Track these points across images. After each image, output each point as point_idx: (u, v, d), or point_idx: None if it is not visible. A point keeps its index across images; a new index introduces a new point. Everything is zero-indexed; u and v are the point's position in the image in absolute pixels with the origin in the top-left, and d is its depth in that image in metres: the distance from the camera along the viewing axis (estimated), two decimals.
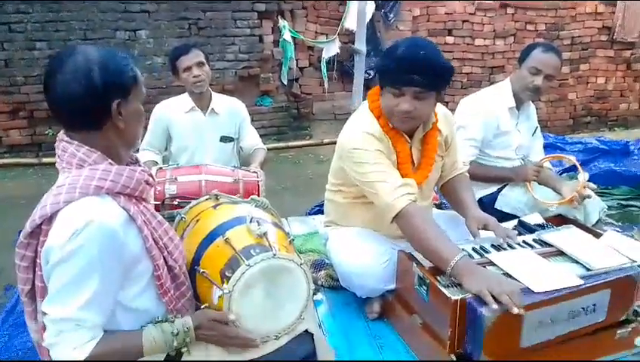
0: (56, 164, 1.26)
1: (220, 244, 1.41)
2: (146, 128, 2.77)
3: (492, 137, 2.58)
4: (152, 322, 1.26)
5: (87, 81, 1.16)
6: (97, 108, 1.19)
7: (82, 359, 1.12)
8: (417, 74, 1.69)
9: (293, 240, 1.54)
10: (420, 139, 1.97)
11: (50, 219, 1.16)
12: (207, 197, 1.77)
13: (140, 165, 1.35)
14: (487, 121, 2.54)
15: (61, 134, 1.25)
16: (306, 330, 1.44)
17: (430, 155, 1.98)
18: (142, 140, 2.68)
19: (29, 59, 5.03)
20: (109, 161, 1.23)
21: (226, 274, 1.32)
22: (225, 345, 1.33)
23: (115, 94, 1.20)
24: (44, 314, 1.15)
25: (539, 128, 2.81)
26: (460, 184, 2.15)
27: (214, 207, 1.68)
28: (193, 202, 1.78)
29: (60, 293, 1.13)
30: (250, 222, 1.46)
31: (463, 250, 1.72)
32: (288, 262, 1.37)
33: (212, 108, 2.80)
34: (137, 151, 2.75)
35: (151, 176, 1.32)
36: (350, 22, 5.70)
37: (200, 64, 2.68)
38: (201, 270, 1.38)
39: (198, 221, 1.62)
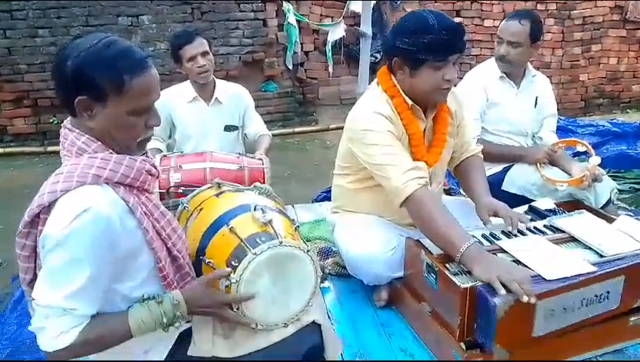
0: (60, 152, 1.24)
1: (225, 233, 1.39)
2: None
3: (486, 108, 2.56)
4: (139, 301, 1.23)
5: (58, 66, 1.14)
6: (62, 96, 1.17)
7: (67, 344, 1.11)
8: (460, 39, 1.74)
9: (298, 226, 1.52)
10: (432, 118, 1.93)
11: (48, 208, 1.14)
12: (209, 185, 1.74)
13: (147, 155, 1.32)
14: (476, 92, 2.53)
15: (66, 121, 1.23)
16: (314, 321, 1.41)
17: (442, 133, 1.95)
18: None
19: (31, 46, 5.00)
20: (110, 150, 1.20)
21: (232, 263, 1.30)
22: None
23: (80, 91, 1.14)
24: (33, 299, 1.13)
25: (545, 100, 2.71)
26: (472, 167, 2.11)
27: (217, 195, 1.65)
28: (195, 191, 1.75)
29: (49, 280, 1.12)
30: (255, 209, 1.44)
31: (472, 236, 1.68)
32: (295, 250, 1.34)
33: (216, 98, 2.74)
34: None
35: (154, 166, 1.29)
36: (356, 4, 5.60)
37: (205, 53, 2.61)
38: (207, 260, 1.36)
39: (201, 210, 1.60)
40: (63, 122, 1.25)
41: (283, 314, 1.37)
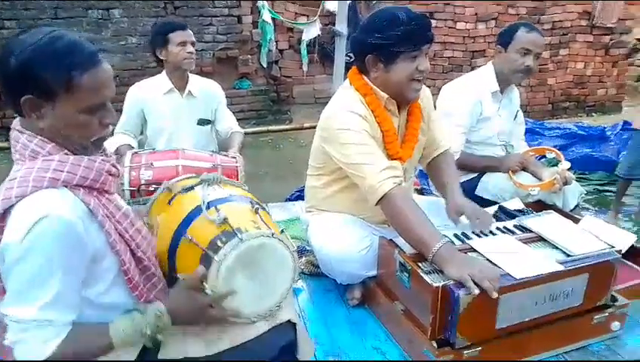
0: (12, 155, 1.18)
1: (185, 245, 1.35)
2: (120, 111, 2.68)
3: (475, 123, 2.56)
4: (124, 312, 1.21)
5: (3, 64, 1.08)
6: (7, 95, 1.11)
7: (46, 357, 1.07)
8: (429, 29, 1.80)
9: (257, 208, 1.44)
10: (405, 113, 1.96)
11: (3, 216, 1.08)
12: (161, 190, 1.62)
13: (105, 154, 1.25)
14: (472, 108, 2.51)
15: (15, 123, 1.17)
16: (289, 320, 1.40)
17: (415, 128, 1.98)
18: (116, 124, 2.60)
19: None
20: (65, 151, 1.15)
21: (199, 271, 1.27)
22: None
23: (26, 90, 1.08)
24: (5, 315, 1.08)
25: (520, 112, 2.80)
26: (444, 165, 2.14)
27: (169, 202, 1.56)
28: (150, 200, 1.63)
29: (20, 294, 1.06)
30: (208, 208, 1.39)
31: (444, 236, 1.71)
32: (259, 240, 1.30)
33: (189, 91, 2.73)
34: (112, 134, 2.67)
35: (114, 165, 1.24)
36: (331, 3, 5.61)
37: (193, 43, 2.66)
38: (182, 277, 1.31)
39: (159, 225, 1.50)
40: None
41: (273, 299, 1.37)
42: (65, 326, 1.10)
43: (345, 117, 1.82)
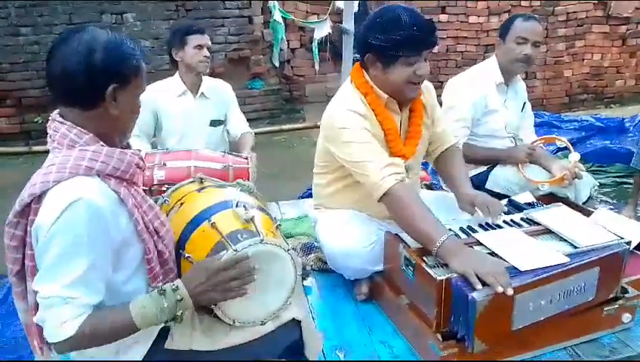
0: (47, 144, 1.25)
1: (206, 229, 1.39)
2: None
3: (481, 116, 2.54)
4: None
5: (86, 59, 1.16)
6: (92, 88, 1.18)
7: (70, 335, 1.12)
8: (431, 35, 1.76)
9: (279, 225, 1.51)
10: (408, 110, 1.95)
11: (39, 198, 1.16)
12: (192, 180, 1.73)
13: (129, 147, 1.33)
14: (476, 100, 2.49)
15: (54, 114, 1.24)
16: (293, 319, 1.41)
17: (418, 125, 1.97)
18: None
19: (14, 45, 4.96)
20: (101, 143, 1.22)
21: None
22: (223, 287, 1.25)
23: (112, 79, 1.19)
24: (36, 292, 1.15)
25: (528, 104, 2.77)
26: (451, 160, 2.13)
27: (199, 190, 1.65)
28: (177, 185, 1.74)
29: (48, 271, 1.13)
30: (237, 206, 1.44)
31: (450, 229, 1.70)
32: (276, 248, 1.35)
33: (202, 93, 2.77)
34: None
35: (142, 159, 1.31)
36: (341, 1, 5.61)
37: (209, 48, 2.71)
38: (187, 254, 1.36)
39: (182, 204, 1.59)
40: (51, 114, 1.25)
41: (260, 312, 1.37)
42: (88, 307, 1.15)
43: (345, 115, 1.83)
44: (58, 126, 1.21)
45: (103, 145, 1.21)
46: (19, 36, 4.96)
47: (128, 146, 1.34)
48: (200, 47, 2.65)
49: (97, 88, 1.18)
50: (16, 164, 4.87)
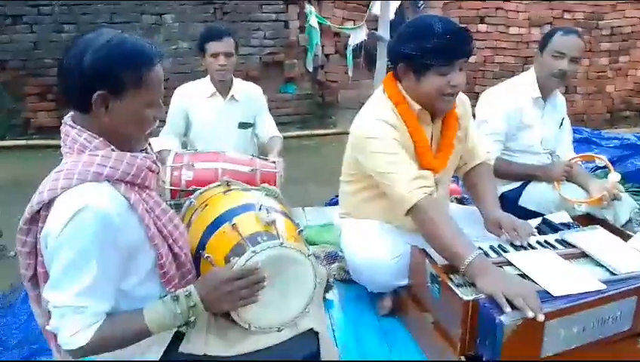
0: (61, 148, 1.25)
1: (227, 230, 1.39)
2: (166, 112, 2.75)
3: (515, 130, 2.46)
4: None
5: (76, 61, 1.13)
6: (79, 91, 1.16)
7: (84, 343, 1.12)
8: (465, 43, 1.71)
9: (302, 231, 1.49)
10: (440, 122, 1.90)
11: (48, 205, 1.15)
12: (219, 183, 1.75)
13: (147, 152, 1.31)
14: (509, 114, 2.42)
15: (66, 118, 1.23)
16: (311, 329, 1.38)
17: (450, 138, 1.91)
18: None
19: (57, 41, 5.12)
20: (111, 147, 1.20)
21: (231, 259, 1.29)
22: (234, 296, 1.25)
23: (100, 84, 1.14)
24: (47, 301, 1.15)
25: (567, 120, 2.67)
26: (481, 177, 2.07)
27: (224, 193, 1.66)
28: (204, 188, 1.76)
29: (57, 280, 1.13)
30: (260, 209, 1.43)
31: (479, 248, 1.64)
32: (295, 252, 1.33)
33: (232, 95, 2.78)
34: (157, 134, 2.75)
35: (154, 162, 1.29)
36: (378, 8, 5.58)
37: (228, 54, 2.64)
38: (206, 254, 1.36)
39: (206, 206, 1.60)
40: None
41: (277, 318, 1.35)
42: (100, 314, 1.15)
43: (374, 125, 1.79)
44: (69, 130, 1.20)
45: (113, 150, 1.19)
46: (62, 33, 5.12)
47: (149, 146, 1.32)
48: (215, 55, 2.61)
49: (83, 92, 1.15)
50: (54, 157, 4.97)
